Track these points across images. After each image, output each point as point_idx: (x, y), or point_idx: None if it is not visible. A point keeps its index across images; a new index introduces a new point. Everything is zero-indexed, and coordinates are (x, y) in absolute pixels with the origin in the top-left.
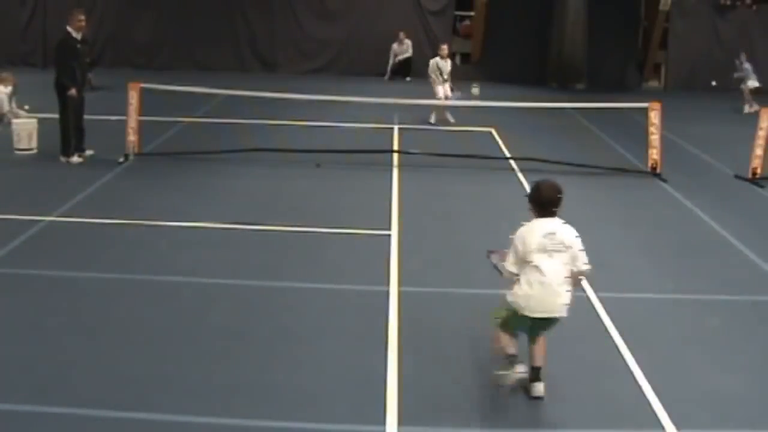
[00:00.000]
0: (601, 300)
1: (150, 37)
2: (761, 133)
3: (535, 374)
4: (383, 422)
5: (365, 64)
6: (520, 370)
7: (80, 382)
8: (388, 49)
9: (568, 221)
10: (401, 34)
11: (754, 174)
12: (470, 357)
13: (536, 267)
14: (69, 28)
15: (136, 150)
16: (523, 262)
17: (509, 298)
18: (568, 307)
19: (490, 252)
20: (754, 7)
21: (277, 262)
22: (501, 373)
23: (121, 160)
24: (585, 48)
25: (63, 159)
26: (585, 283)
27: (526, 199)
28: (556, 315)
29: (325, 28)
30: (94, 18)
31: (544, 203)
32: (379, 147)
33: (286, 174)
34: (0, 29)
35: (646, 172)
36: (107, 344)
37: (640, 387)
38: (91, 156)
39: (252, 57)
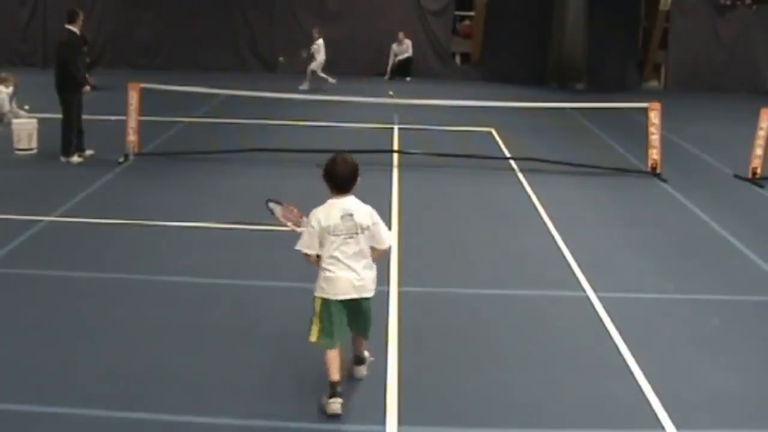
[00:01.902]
0: (601, 300)
1: (150, 37)
2: (761, 133)
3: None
4: (383, 422)
5: (365, 64)
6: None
7: (80, 382)
8: (388, 49)
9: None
10: (401, 34)
11: (754, 174)
12: (470, 357)
13: (334, 249)
14: (73, 28)
15: (136, 150)
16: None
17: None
18: (374, 282)
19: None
20: (754, 7)
21: (276, 262)
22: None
23: (121, 160)
24: (585, 48)
25: (63, 159)
26: (585, 283)
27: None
28: (365, 294)
29: (325, 28)
30: (94, 18)
31: (338, 180)
32: (379, 147)
33: (286, 174)
34: (0, 29)
35: (646, 172)
36: (107, 344)
37: (640, 387)
38: (91, 156)
39: (252, 57)
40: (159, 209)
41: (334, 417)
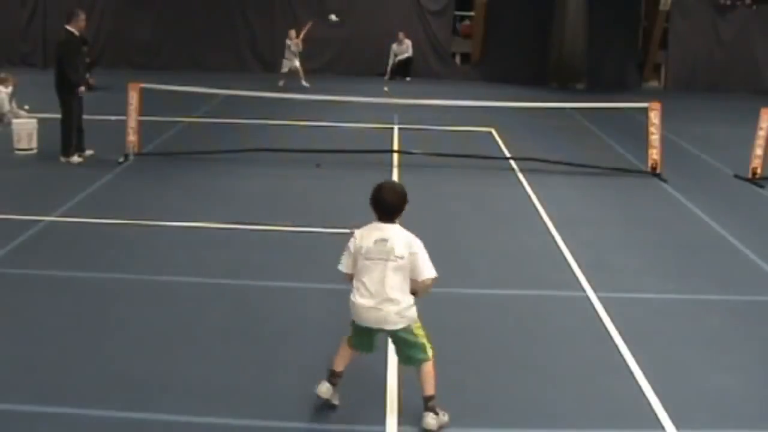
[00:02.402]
0: (601, 300)
1: (150, 37)
2: (761, 133)
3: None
4: (383, 422)
5: (365, 64)
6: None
7: (80, 382)
8: (388, 49)
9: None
10: (401, 35)
11: (754, 174)
12: (470, 357)
13: (363, 273)
14: (71, 28)
15: (136, 150)
16: (355, 265)
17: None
18: (400, 317)
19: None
20: (754, 7)
21: (277, 262)
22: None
23: (121, 160)
24: (585, 48)
25: (63, 159)
26: (585, 284)
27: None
28: (387, 327)
29: (325, 28)
30: (94, 18)
31: (381, 207)
32: (379, 147)
33: (286, 174)
34: (0, 29)
35: (646, 172)
36: (107, 344)
37: (640, 387)
38: (91, 156)
39: (252, 57)
40: (159, 209)
41: (320, 399)
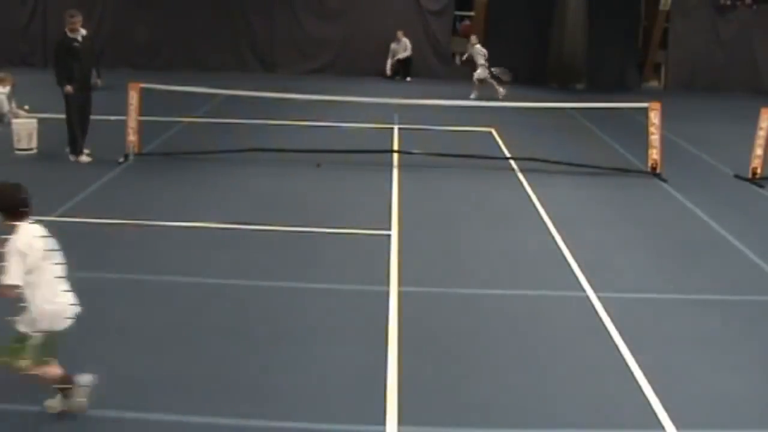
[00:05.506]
0: (601, 300)
1: (150, 37)
2: (761, 133)
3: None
4: (383, 422)
5: (365, 64)
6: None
7: None
8: (388, 49)
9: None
10: (399, 33)
11: (754, 174)
12: (470, 357)
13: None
14: (66, 29)
15: (136, 150)
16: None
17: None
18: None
19: None
20: (754, 7)
21: (277, 262)
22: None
23: (121, 160)
24: (585, 48)
25: (72, 158)
26: (585, 284)
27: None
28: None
29: (325, 28)
30: (95, 18)
31: (18, 205)
32: (379, 147)
33: (286, 174)
34: (0, 29)
35: (646, 172)
36: (107, 344)
37: (640, 387)
38: (88, 155)
39: (252, 57)
40: (159, 209)
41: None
